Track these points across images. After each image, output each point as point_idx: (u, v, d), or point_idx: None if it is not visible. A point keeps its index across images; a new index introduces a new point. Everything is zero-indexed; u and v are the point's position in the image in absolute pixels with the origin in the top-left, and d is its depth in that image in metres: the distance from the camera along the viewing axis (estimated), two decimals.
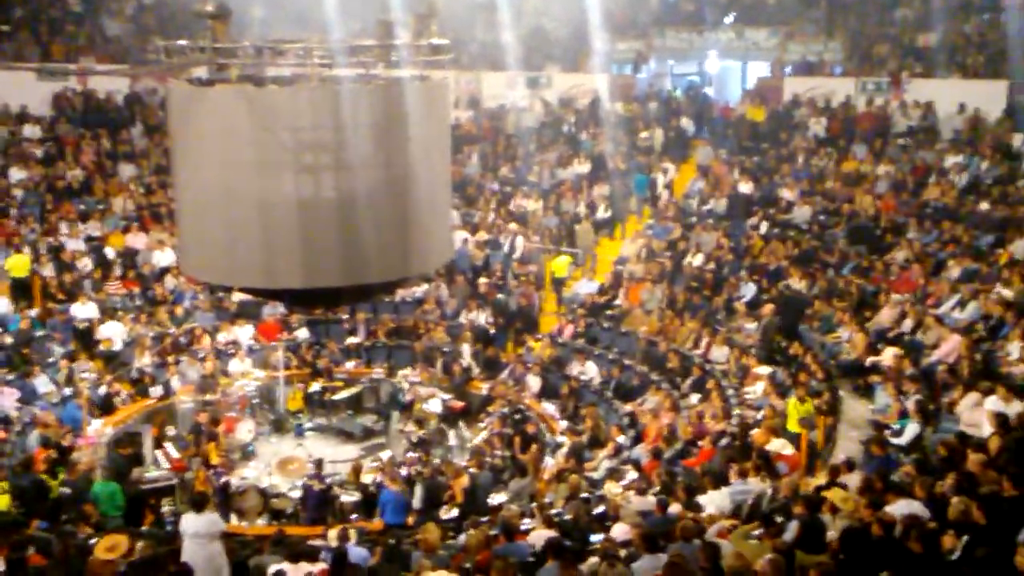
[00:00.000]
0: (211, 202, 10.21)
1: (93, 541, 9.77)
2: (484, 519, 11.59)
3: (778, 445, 12.42)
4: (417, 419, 16.73)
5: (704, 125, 25.66)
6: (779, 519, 9.16)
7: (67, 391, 16.25)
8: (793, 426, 13.05)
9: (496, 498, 13.40)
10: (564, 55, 28.14)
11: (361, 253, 10.22)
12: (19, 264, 18.80)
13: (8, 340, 17.13)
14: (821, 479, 10.84)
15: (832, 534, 8.53)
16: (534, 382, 17.76)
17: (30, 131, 23.74)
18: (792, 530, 8.63)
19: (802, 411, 13.04)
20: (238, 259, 10.25)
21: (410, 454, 15.30)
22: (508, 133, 26.50)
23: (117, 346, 17.98)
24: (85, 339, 18.00)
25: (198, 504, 10.26)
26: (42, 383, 16.25)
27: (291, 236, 9.93)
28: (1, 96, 23.94)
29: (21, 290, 18.68)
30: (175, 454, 15.14)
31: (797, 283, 18.01)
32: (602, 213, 22.81)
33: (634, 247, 21.50)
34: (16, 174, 21.88)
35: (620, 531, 10.15)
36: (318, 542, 10.76)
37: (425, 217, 10.70)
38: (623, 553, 8.95)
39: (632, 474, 13.13)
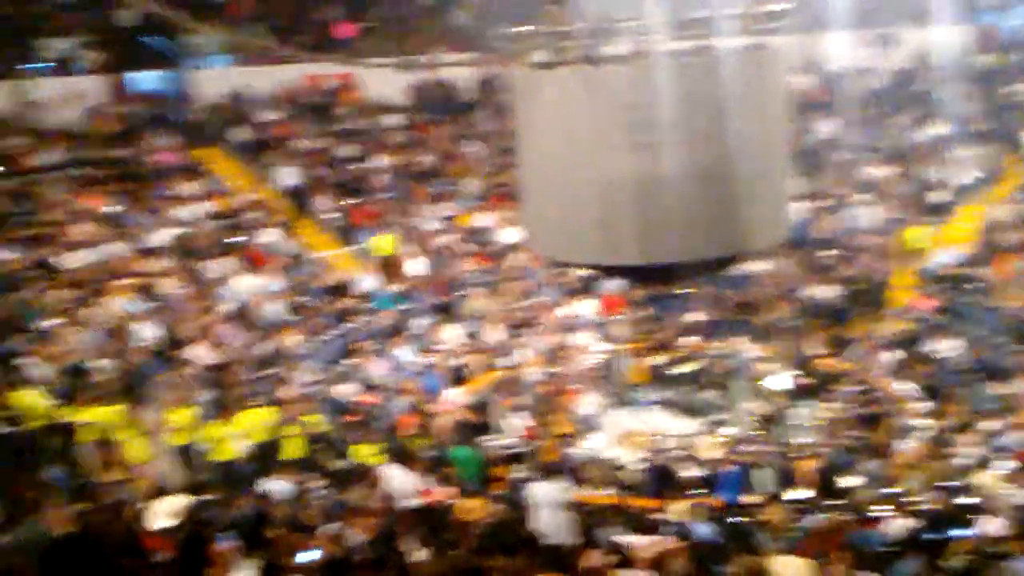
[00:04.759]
0: (552, 181, 10.53)
1: (452, 502, 10.54)
2: (834, 503, 11.10)
3: None
4: (760, 396, 16.33)
5: None
6: None
7: (427, 361, 17.54)
8: None
9: (847, 481, 12.75)
10: (915, 8, 25.88)
11: (698, 228, 10.10)
12: (384, 244, 20.57)
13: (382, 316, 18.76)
14: None
15: None
16: (885, 360, 16.64)
17: (390, 120, 25.83)
18: None
19: None
20: (579, 236, 10.51)
21: (752, 432, 14.96)
22: (854, 96, 24.88)
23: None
24: (445, 311, 19.36)
25: (547, 473, 10.65)
26: (405, 354, 17.67)
27: (630, 213, 10.01)
28: (366, 89, 26.28)
29: (386, 268, 20.39)
30: (524, 423, 15.87)
31: None
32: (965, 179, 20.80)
33: (1006, 213, 19.45)
34: (379, 160, 23.94)
35: (994, 526, 9.25)
36: (661, 516, 10.82)
37: (763, 190, 10.37)
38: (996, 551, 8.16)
39: (1007, 463, 11.89)
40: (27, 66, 22.50)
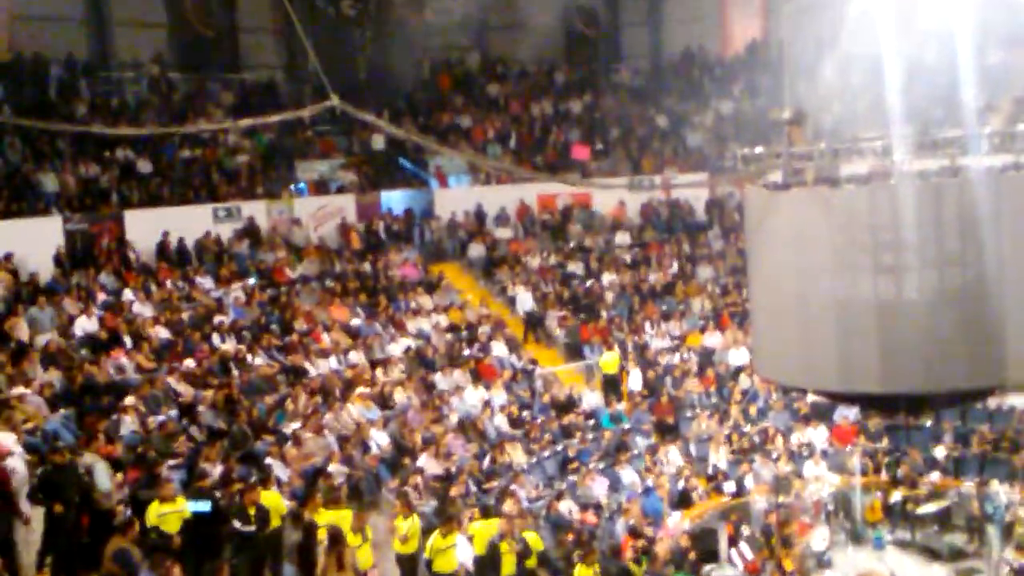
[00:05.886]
0: (786, 303, 10.22)
1: None
2: None
3: None
4: (1018, 544, 14.80)
5: None
6: None
7: (649, 482, 17.16)
8: None
9: None
10: None
11: (947, 358, 9.44)
12: (610, 362, 20.56)
13: (605, 434, 18.63)
14: None
15: None
16: None
17: (620, 239, 26.14)
18: None
19: None
20: (813, 361, 10.09)
21: None
22: None
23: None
24: (668, 432, 19.00)
25: None
26: (627, 474, 17.37)
27: (869, 339, 9.53)
28: (597, 208, 26.83)
29: (611, 386, 20.36)
30: (749, 555, 15.12)
31: None
32: None
33: None
34: (608, 278, 24.16)
35: None
36: None
37: (1022, 319, 9.59)
38: None
39: None
40: (290, 187, 24.59)
